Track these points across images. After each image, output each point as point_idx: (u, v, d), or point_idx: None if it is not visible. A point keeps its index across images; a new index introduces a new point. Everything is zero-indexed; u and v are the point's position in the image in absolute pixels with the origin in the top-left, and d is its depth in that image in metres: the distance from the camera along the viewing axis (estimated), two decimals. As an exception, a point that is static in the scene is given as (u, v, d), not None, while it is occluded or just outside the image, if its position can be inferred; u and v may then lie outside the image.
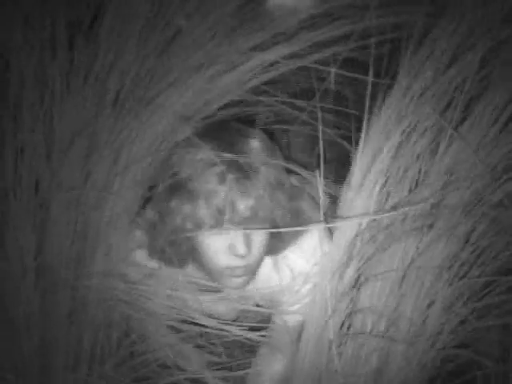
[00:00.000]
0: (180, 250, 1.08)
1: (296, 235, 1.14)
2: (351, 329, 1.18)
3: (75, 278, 1.23)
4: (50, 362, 1.24)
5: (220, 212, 0.99)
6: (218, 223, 1.01)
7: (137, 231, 1.17)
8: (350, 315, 1.16)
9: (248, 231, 1.02)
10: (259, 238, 1.04)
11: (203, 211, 1.00)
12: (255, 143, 1.05)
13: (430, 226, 1.22)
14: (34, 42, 1.15)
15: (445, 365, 1.22)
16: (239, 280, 1.07)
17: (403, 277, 1.24)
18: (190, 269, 1.16)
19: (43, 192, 1.22)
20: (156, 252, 1.12)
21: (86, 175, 1.20)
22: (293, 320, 1.23)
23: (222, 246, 1.03)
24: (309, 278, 1.16)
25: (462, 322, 1.23)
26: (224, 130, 1.07)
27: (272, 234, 1.07)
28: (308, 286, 1.17)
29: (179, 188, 1.02)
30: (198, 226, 1.02)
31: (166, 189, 1.05)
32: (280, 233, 1.07)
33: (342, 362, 1.17)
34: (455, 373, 1.21)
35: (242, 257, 1.02)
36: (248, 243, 1.02)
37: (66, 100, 1.17)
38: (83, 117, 1.18)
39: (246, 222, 1.01)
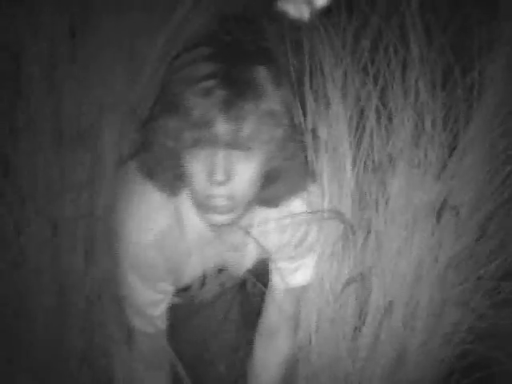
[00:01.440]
0: (170, 175, 1.02)
1: (297, 186, 1.06)
2: (368, 320, 1.17)
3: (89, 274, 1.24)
4: (64, 361, 1.24)
5: (198, 128, 0.92)
6: (196, 141, 0.94)
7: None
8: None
9: (231, 156, 0.94)
10: (244, 168, 0.95)
11: (182, 126, 0.94)
12: (262, 70, 0.97)
13: (439, 218, 1.22)
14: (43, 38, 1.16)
15: (462, 359, 1.21)
16: (221, 216, 0.98)
17: (418, 269, 1.24)
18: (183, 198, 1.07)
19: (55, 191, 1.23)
20: (149, 178, 1.05)
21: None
22: (295, 281, 1.18)
23: (202, 170, 0.95)
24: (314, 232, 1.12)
25: (479, 317, 1.22)
26: (230, 49, 1.00)
27: (269, 182, 1.01)
28: (313, 240, 1.12)
29: (168, 105, 0.97)
30: (179, 142, 0.96)
31: (159, 109, 0.99)
32: (278, 181, 1.02)
33: (359, 353, 1.16)
34: (472, 368, 1.20)
35: (220, 184, 0.94)
36: (228, 170, 0.94)
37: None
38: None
39: (228, 146, 0.93)
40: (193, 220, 1.07)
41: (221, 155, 0.94)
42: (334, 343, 1.18)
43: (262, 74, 0.96)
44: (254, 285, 1.23)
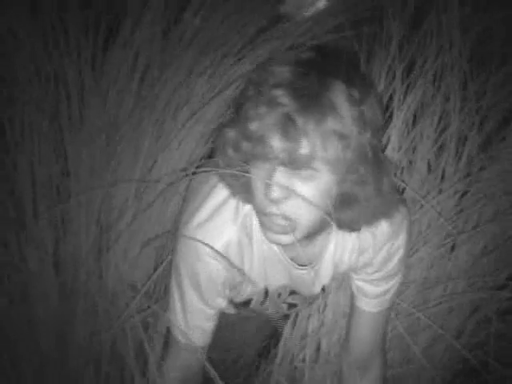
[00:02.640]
0: (238, 184, 0.96)
1: (377, 213, 0.97)
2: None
3: (94, 272, 1.19)
4: (68, 359, 1.22)
5: (255, 141, 0.86)
6: (257, 155, 0.87)
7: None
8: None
9: (289, 174, 0.87)
10: (305, 187, 0.88)
11: (240, 136, 0.89)
12: (337, 85, 0.87)
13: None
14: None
15: (466, 364, 1.25)
16: (281, 236, 0.91)
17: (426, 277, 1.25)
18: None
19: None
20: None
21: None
22: (380, 306, 1.12)
23: (261, 185, 0.89)
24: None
25: (483, 323, 1.26)
26: (304, 61, 0.90)
27: (345, 205, 0.92)
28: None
29: (236, 111, 0.91)
30: (238, 153, 0.90)
31: (232, 121, 0.93)
32: (355, 205, 0.93)
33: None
34: (474, 372, 1.24)
35: (275, 202, 0.87)
36: (285, 189, 0.87)
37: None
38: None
39: (284, 164, 0.86)
40: (261, 234, 1.00)
41: (278, 171, 0.87)
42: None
43: (336, 89, 0.87)
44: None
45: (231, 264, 1.00)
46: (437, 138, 1.21)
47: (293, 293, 1.13)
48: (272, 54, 0.93)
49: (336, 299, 1.21)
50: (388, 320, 1.17)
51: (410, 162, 1.23)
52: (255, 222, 0.99)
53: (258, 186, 0.90)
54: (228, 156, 0.93)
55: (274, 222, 0.90)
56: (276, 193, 0.86)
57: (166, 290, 1.09)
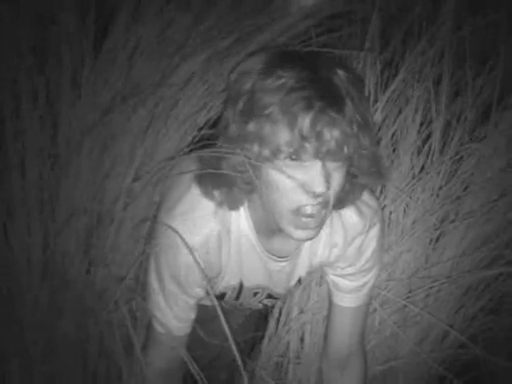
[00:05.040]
0: (235, 188, 0.96)
1: (363, 189, 1.02)
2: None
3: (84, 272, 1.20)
4: (59, 366, 1.21)
5: (303, 139, 0.86)
6: (298, 152, 0.88)
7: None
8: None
9: (329, 166, 0.89)
10: (340, 177, 0.91)
11: (284, 136, 0.88)
12: (342, 73, 0.91)
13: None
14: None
15: (455, 362, 1.22)
16: (308, 231, 0.93)
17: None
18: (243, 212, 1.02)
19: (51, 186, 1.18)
20: (210, 190, 0.99)
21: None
22: (358, 301, 1.13)
23: (297, 181, 0.89)
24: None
25: (471, 320, 1.23)
26: (305, 58, 0.94)
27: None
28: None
29: (256, 113, 0.90)
30: (276, 153, 0.89)
31: (240, 115, 0.92)
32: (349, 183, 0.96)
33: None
34: (465, 369, 1.21)
35: (318, 196, 0.89)
36: (327, 181, 0.89)
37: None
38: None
39: (329, 156, 0.88)
40: (243, 233, 1.03)
41: (320, 166, 0.89)
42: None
43: (344, 78, 0.91)
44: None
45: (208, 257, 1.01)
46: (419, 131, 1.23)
47: (269, 296, 1.14)
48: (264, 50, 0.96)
49: (320, 293, 1.21)
50: (367, 316, 1.17)
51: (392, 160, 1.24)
52: (233, 215, 1.02)
53: (293, 182, 0.90)
54: (251, 151, 0.92)
55: (309, 214, 0.91)
56: (320, 186, 0.88)
57: (145, 281, 1.09)
